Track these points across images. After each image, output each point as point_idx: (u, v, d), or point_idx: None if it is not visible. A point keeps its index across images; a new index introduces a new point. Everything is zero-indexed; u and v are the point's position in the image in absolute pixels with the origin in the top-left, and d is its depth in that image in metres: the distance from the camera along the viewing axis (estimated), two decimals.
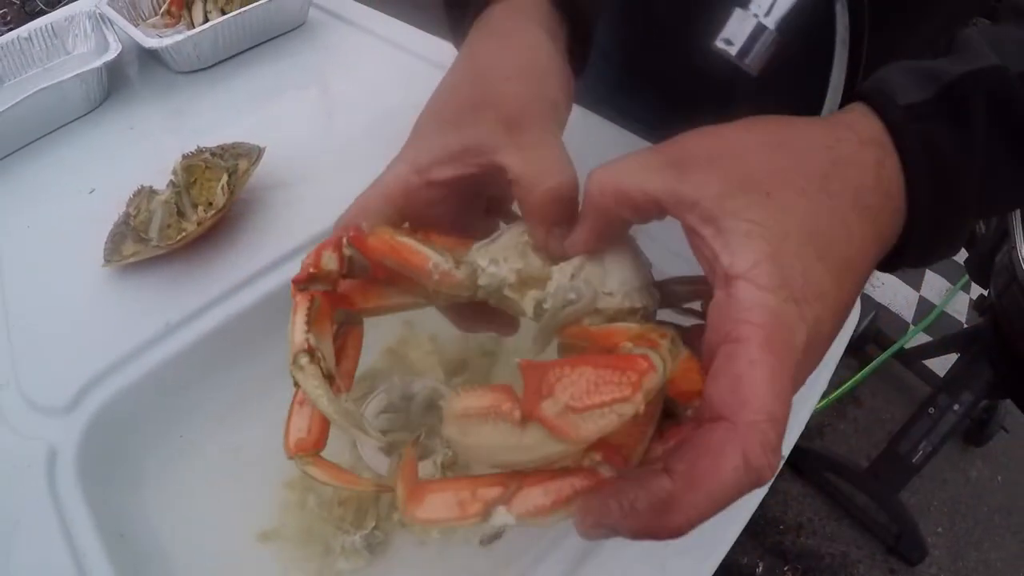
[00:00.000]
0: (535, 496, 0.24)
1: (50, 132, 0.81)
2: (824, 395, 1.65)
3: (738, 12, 0.34)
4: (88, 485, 0.48)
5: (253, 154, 0.62)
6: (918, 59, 0.31)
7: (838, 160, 0.27)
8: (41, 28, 0.95)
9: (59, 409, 0.51)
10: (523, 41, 0.39)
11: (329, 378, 0.31)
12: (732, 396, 0.23)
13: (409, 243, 0.33)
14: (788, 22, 0.34)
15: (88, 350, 0.54)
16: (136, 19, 0.98)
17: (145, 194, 0.61)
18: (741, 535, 0.43)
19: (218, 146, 0.63)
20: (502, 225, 0.40)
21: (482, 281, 0.33)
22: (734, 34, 0.34)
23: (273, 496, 0.50)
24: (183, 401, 0.54)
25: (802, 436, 1.82)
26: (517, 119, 0.34)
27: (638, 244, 0.34)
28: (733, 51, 0.34)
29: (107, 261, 0.59)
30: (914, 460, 1.44)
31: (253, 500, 0.50)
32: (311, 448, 0.33)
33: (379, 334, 0.58)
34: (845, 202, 0.27)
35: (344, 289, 0.35)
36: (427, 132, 0.37)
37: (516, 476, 0.25)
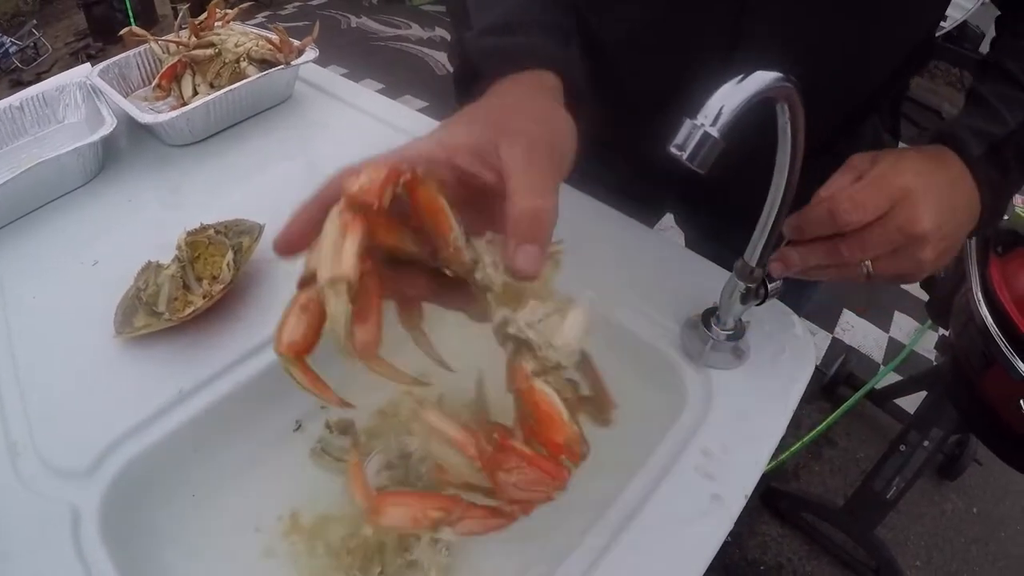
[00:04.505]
0: (470, 525, 0.37)
1: (47, 203, 0.86)
2: (799, 437, 1.74)
3: (687, 122, 0.41)
4: (111, 543, 0.54)
5: (255, 231, 0.70)
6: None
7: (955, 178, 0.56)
8: (32, 98, 1.01)
9: (80, 472, 0.57)
10: (544, 100, 0.49)
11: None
12: None
13: (445, 205, 0.37)
14: (731, 126, 0.41)
15: (105, 416, 0.60)
16: (126, 90, 1.05)
17: (152, 269, 0.69)
18: None
19: (221, 223, 0.71)
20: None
21: (478, 275, 0.38)
22: (683, 142, 0.41)
23: (282, 546, 0.57)
24: (195, 462, 0.61)
25: (778, 478, 1.89)
26: (530, 150, 0.41)
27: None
28: (684, 156, 0.41)
29: (118, 332, 0.65)
30: (888, 496, 1.51)
31: (263, 550, 0.57)
32: (300, 351, 0.36)
33: (372, 399, 0.65)
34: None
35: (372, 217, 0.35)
36: (456, 128, 0.44)
37: (457, 504, 0.37)
